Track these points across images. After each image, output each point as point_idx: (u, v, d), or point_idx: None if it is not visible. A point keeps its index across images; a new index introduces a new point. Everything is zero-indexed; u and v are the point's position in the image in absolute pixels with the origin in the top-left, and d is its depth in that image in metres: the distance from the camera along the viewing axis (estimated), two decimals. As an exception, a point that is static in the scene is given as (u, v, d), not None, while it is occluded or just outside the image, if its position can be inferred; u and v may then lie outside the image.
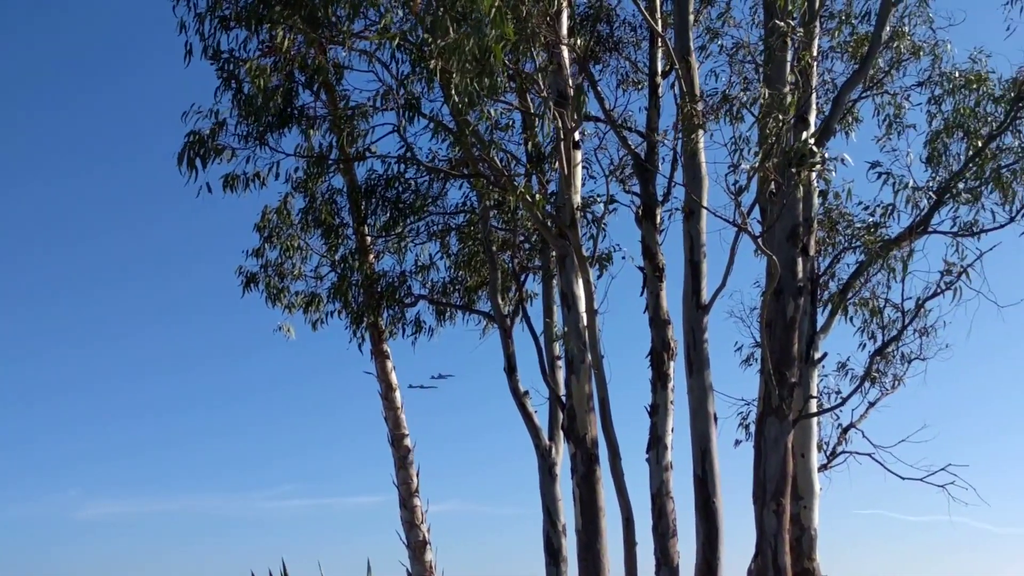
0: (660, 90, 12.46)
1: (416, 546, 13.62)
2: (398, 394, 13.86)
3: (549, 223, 11.36)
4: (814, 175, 10.21)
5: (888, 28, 12.31)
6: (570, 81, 11.27)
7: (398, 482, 13.81)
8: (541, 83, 10.69)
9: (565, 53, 11.42)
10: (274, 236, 13.76)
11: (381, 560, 14.29)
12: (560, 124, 10.55)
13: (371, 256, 13.73)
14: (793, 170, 9.58)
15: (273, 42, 10.79)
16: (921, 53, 12.77)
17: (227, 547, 27.91)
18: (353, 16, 10.18)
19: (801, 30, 10.38)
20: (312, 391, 31.73)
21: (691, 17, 11.55)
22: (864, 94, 12.91)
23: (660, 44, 12.03)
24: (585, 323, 11.25)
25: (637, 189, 12.41)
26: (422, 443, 14.23)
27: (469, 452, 30.28)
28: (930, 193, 11.81)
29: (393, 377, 13.87)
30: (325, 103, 12.43)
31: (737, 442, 12.90)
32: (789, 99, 9.74)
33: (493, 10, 7.94)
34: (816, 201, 11.26)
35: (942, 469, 12.01)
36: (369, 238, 13.72)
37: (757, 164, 9.66)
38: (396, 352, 14.19)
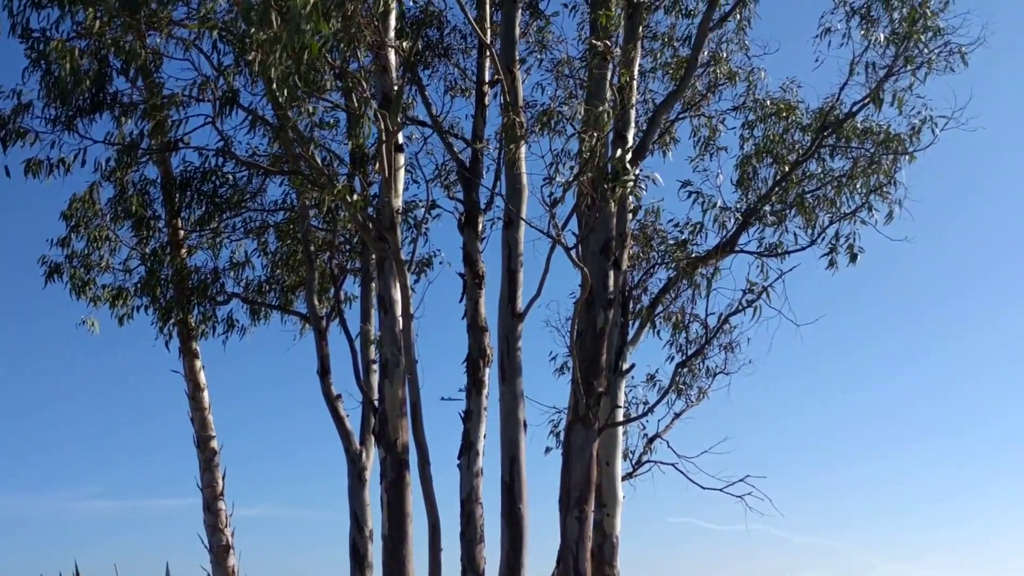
0: (487, 99, 12.57)
1: (219, 551, 13.25)
2: (206, 394, 13.47)
3: (370, 225, 11.28)
4: (628, 191, 10.47)
5: (707, 52, 12.79)
6: (395, 84, 11.21)
7: (203, 485, 13.40)
8: (364, 84, 10.60)
9: (392, 56, 11.36)
10: (81, 225, 13.15)
11: (182, 565, 13.89)
12: (383, 126, 10.48)
13: (183, 251, 13.31)
14: (606, 186, 9.80)
15: (87, 23, 10.33)
16: (737, 79, 13.26)
17: (20, 548, 26.50)
18: (171, 1, 9.84)
19: (618, 49, 10.63)
20: (119, 390, 30.52)
21: (518, 30, 11.69)
22: (682, 115, 13.34)
23: (488, 54, 12.12)
24: (401, 327, 11.21)
25: (461, 196, 12.49)
26: (232, 446, 13.91)
27: (281, 456, 29.76)
28: (737, 214, 12.30)
29: (201, 377, 13.46)
30: (141, 91, 11.98)
31: (548, 450, 13.08)
32: (606, 116, 9.95)
33: (308, 5, 7.82)
34: (630, 217, 11.56)
35: (741, 480, 12.42)
36: (182, 232, 13.30)
37: (572, 178, 9.84)
38: (207, 352, 13.83)
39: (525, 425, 11.14)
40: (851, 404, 31.15)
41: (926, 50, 11.88)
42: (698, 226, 12.11)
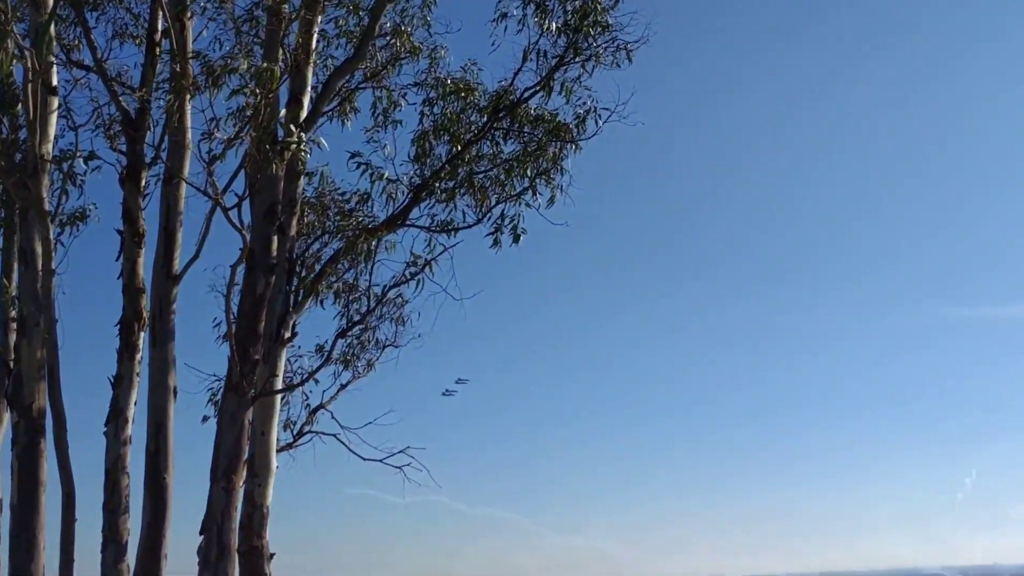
0: (159, 49, 11.93)
1: None
2: None
3: (16, 172, 10.44)
4: (294, 154, 10.23)
5: (389, 23, 12.73)
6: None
7: None
8: (8, 16, 9.76)
9: (51, -8, 10.56)
10: None
11: None
12: (29, 64, 9.70)
13: None
14: (268, 147, 9.53)
15: None
16: (420, 55, 13.23)
17: None
18: None
19: (287, 9, 10.38)
20: None
21: (188, -24, 11.17)
22: (363, 85, 13.20)
23: (160, 1, 11.50)
24: (42, 283, 10.45)
25: (125, 148, 11.80)
26: None
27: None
28: (408, 188, 12.34)
29: None
30: None
31: (205, 418, 12.66)
32: (272, 74, 9.68)
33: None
34: (301, 182, 11.31)
35: (401, 451, 12.51)
36: None
37: (234, 135, 9.51)
38: None
39: (175, 392, 10.74)
40: (524, 376, 32.48)
41: (595, 44, 12.34)
42: (365, 196, 12.06)
